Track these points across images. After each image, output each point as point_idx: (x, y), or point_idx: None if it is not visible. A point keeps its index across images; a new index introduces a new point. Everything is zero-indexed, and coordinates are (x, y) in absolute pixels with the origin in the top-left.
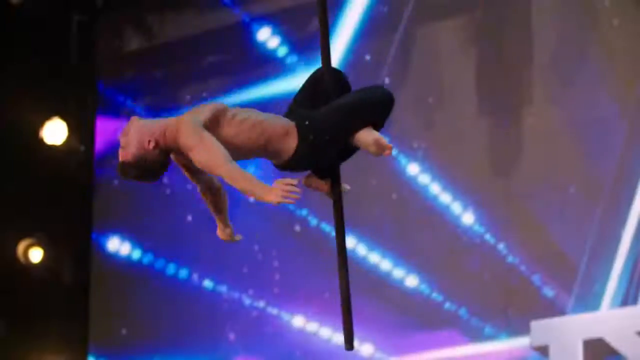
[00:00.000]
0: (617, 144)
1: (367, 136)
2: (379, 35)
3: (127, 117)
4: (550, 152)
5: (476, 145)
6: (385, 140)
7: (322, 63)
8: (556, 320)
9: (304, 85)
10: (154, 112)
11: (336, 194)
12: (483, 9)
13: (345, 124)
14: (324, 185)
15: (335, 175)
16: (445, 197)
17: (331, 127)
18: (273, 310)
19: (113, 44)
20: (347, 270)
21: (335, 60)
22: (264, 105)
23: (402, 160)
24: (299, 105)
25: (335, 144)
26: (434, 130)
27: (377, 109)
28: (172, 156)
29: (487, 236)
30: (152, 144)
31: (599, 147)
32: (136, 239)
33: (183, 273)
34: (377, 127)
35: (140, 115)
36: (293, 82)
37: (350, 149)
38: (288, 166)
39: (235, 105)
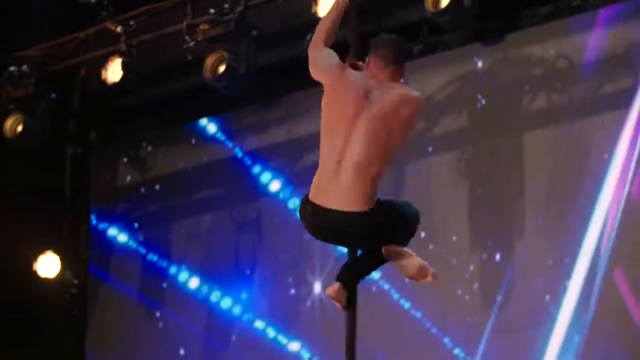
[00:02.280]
0: (609, 276)
1: (411, 260)
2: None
3: (120, 249)
4: (542, 286)
5: (468, 280)
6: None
7: None
8: None
9: None
10: (148, 246)
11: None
12: (474, 143)
13: (401, 222)
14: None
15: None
16: (436, 332)
17: (395, 215)
18: None
19: (107, 177)
20: None
21: None
22: (259, 240)
23: (394, 294)
24: None
25: (385, 235)
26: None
27: (413, 224)
28: None
29: None
30: None
31: (589, 281)
32: None
33: None
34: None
35: (134, 250)
36: (285, 215)
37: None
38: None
39: None
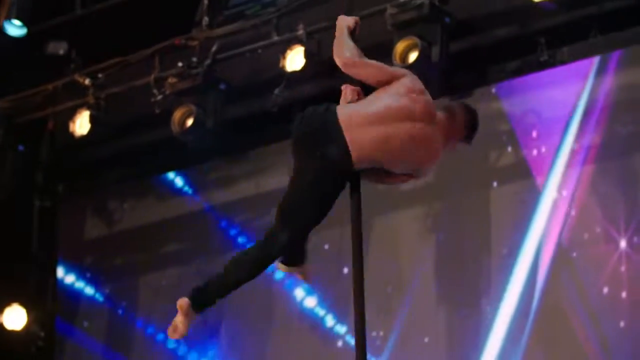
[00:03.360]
0: (579, 328)
1: None
2: (339, 225)
3: (87, 303)
4: (508, 340)
5: (435, 335)
6: None
7: None
8: None
9: None
10: (115, 299)
11: None
12: (441, 199)
13: None
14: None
15: None
16: None
17: None
18: None
19: (74, 230)
20: None
21: None
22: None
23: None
24: None
25: None
26: (392, 319)
27: None
28: None
29: None
30: None
31: (559, 334)
32: None
33: None
34: None
35: (101, 303)
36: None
37: None
38: None
39: None
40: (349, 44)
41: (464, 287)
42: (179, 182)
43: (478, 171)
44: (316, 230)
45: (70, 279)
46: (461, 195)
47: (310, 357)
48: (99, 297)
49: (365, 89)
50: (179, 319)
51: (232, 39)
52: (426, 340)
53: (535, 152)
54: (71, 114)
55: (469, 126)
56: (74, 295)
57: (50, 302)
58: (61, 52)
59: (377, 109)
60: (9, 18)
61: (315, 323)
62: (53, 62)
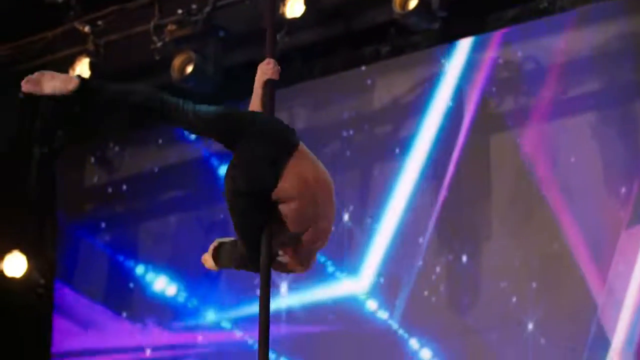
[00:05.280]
0: (576, 277)
1: None
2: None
3: (87, 250)
4: (508, 287)
5: (435, 281)
6: None
7: None
8: None
9: None
10: (115, 246)
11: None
12: (441, 145)
13: None
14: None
15: None
16: (403, 333)
17: None
18: None
19: (74, 178)
20: None
21: None
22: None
23: (360, 296)
24: None
25: None
26: (392, 266)
27: None
28: None
29: None
30: None
31: (557, 281)
32: None
33: None
34: None
35: (100, 251)
36: None
37: None
38: None
39: None
40: None
41: (464, 233)
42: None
43: (477, 117)
44: None
45: (70, 226)
46: (461, 141)
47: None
48: (99, 244)
49: None
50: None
51: None
52: (427, 286)
53: (534, 98)
54: (71, 62)
55: None
56: (73, 242)
57: (50, 249)
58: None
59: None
60: None
61: (316, 268)
62: (52, 9)
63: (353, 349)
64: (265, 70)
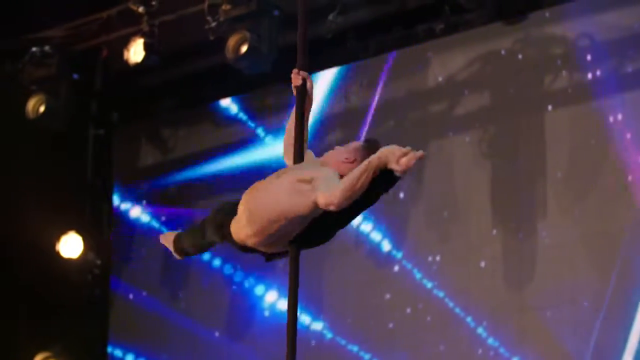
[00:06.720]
0: (633, 256)
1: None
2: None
3: (143, 229)
4: (563, 265)
5: (490, 259)
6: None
7: None
8: None
9: None
10: (170, 226)
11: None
12: (497, 123)
13: None
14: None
15: None
16: (459, 311)
17: None
18: None
19: (129, 158)
20: None
21: None
22: None
23: (417, 274)
24: None
25: None
26: (448, 244)
27: None
28: None
29: (501, 350)
30: None
31: (611, 260)
32: (152, 354)
33: None
34: None
35: (157, 230)
36: None
37: None
38: None
39: None
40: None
41: (519, 211)
42: (233, 108)
43: (533, 95)
44: None
45: (125, 206)
46: (516, 119)
47: (367, 281)
48: (155, 224)
49: None
50: None
51: None
52: (482, 264)
53: (590, 75)
54: (125, 42)
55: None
56: (129, 222)
57: (106, 229)
58: None
59: None
60: None
61: (372, 248)
62: None
63: (410, 323)
64: (294, 80)
